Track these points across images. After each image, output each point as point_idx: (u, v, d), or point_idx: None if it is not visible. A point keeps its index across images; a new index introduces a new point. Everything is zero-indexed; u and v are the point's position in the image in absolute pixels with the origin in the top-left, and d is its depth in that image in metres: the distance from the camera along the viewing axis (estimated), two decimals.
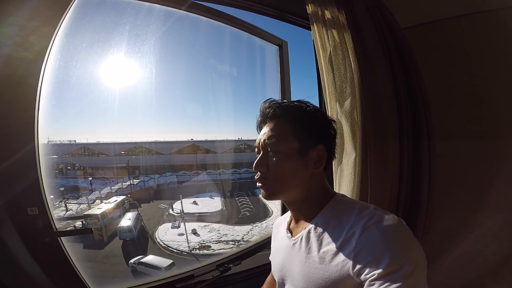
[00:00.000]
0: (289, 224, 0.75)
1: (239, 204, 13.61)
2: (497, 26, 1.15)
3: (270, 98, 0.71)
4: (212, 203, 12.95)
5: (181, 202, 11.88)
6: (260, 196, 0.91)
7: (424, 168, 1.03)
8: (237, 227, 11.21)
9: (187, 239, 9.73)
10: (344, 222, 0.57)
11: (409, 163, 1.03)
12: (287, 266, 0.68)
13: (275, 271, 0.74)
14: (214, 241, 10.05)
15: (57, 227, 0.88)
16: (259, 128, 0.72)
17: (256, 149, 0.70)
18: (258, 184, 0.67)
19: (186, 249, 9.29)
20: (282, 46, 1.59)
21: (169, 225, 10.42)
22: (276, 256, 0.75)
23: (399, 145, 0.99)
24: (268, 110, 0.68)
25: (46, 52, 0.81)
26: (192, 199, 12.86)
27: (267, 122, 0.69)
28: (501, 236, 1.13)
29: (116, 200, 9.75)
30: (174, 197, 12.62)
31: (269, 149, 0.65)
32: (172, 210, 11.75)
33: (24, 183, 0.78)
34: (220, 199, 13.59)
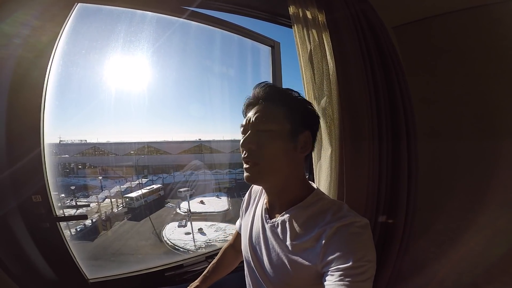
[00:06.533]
0: (266, 205, 0.75)
1: None
2: (496, 21, 1.13)
3: (264, 82, 0.70)
4: (219, 203, 12.99)
5: (188, 202, 11.99)
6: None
7: (403, 168, 1.05)
8: None
9: (194, 238, 9.83)
10: (320, 219, 0.61)
11: (389, 162, 1.04)
12: (258, 246, 0.71)
13: (245, 248, 0.76)
14: (220, 240, 10.10)
15: (57, 213, 0.96)
16: (246, 110, 0.71)
17: (241, 129, 0.69)
18: (246, 165, 0.65)
19: (192, 248, 9.39)
20: (274, 47, 1.65)
21: (176, 224, 10.58)
22: (250, 233, 0.76)
23: (378, 144, 1.00)
24: (261, 92, 0.68)
25: (50, 57, 0.90)
26: (199, 199, 12.96)
27: (258, 104, 0.68)
28: (500, 236, 1.13)
29: (153, 187, 10.80)
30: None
31: (260, 128, 0.64)
32: (179, 209, 11.89)
33: (30, 174, 0.87)
34: (226, 198, 13.62)
